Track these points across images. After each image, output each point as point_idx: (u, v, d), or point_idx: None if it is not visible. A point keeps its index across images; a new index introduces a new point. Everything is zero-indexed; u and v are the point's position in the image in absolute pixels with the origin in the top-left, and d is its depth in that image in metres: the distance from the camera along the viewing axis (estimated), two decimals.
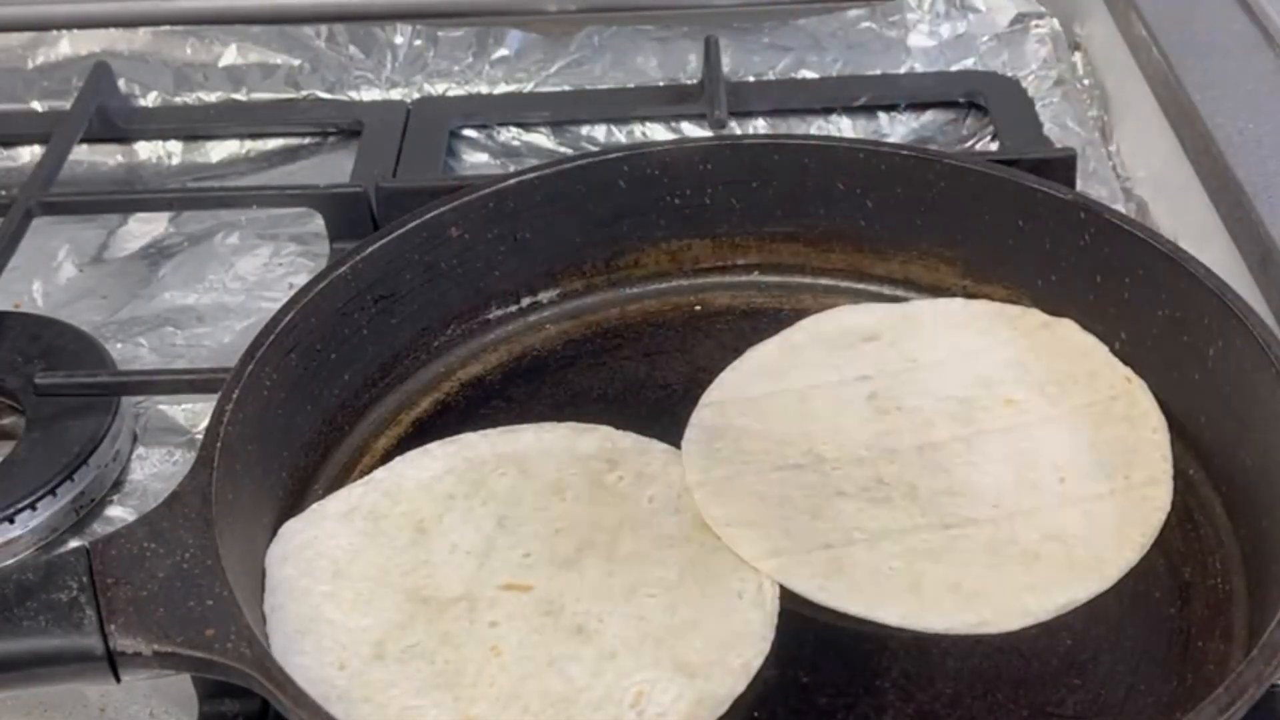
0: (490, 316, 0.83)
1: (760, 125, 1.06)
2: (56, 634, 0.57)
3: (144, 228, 1.00)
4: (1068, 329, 0.78)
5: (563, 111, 1.06)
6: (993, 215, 0.80)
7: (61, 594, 0.58)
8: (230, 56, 1.11)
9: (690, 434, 0.74)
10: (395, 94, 1.10)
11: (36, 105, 1.09)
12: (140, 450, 0.81)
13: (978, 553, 0.67)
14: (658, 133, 1.06)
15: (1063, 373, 0.76)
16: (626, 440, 0.74)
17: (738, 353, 0.80)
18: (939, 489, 0.70)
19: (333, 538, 0.69)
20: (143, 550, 0.60)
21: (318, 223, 0.93)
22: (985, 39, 1.11)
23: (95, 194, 1.00)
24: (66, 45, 1.11)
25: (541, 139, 1.06)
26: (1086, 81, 1.09)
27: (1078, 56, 1.12)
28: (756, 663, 0.63)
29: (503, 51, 1.11)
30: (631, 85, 1.09)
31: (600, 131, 1.06)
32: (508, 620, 0.65)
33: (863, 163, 0.83)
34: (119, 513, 0.77)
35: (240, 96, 1.10)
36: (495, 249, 0.82)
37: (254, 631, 0.57)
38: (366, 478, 0.73)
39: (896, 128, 1.06)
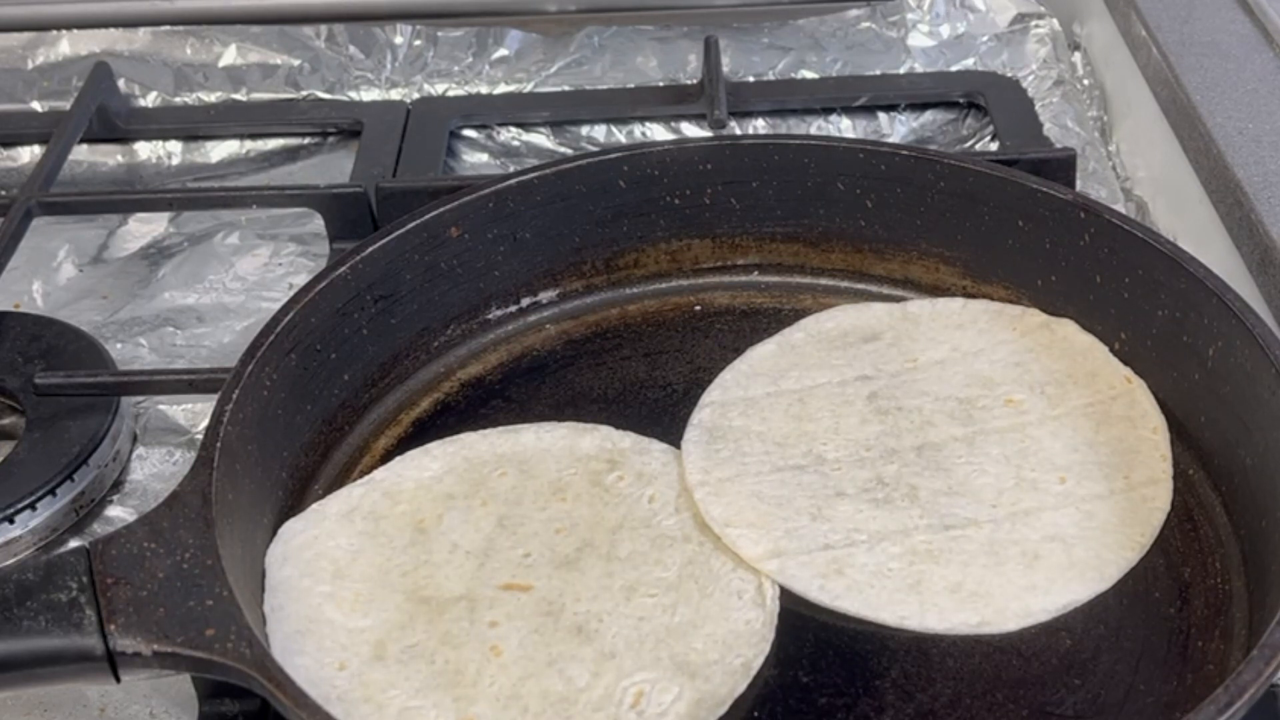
0: (490, 316, 0.83)
1: (760, 125, 1.06)
2: (56, 634, 0.57)
3: (144, 228, 1.00)
4: (1068, 329, 0.78)
5: (563, 111, 1.06)
6: (993, 215, 0.80)
7: (61, 594, 0.58)
8: (230, 56, 1.11)
9: (690, 434, 0.74)
10: (395, 94, 1.10)
11: (36, 105, 1.09)
12: (140, 450, 0.81)
13: (978, 553, 0.67)
14: (658, 133, 1.06)
15: (1062, 373, 0.76)
16: (626, 440, 0.74)
17: (738, 353, 0.80)
18: (939, 489, 0.70)
19: (333, 538, 0.69)
20: (143, 550, 0.60)
21: (318, 223, 0.93)
22: (985, 39, 1.11)
23: (95, 194, 1.00)
24: (66, 45, 1.11)
25: (541, 139, 1.06)
26: (1086, 81, 1.09)
27: (1078, 56, 1.12)
28: (756, 663, 0.63)
29: (503, 51, 1.11)
30: (631, 85, 1.09)
31: (600, 131, 1.06)
32: (508, 620, 0.65)
33: (863, 163, 0.83)
34: (119, 513, 0.77)
35: (240, 96, 1.10)
36: (495, 249, 0.82)
37: (254, 631, 0.57)
38: (366, 478, 0.73)
39: (896, 128, 1.06)
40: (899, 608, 0.64)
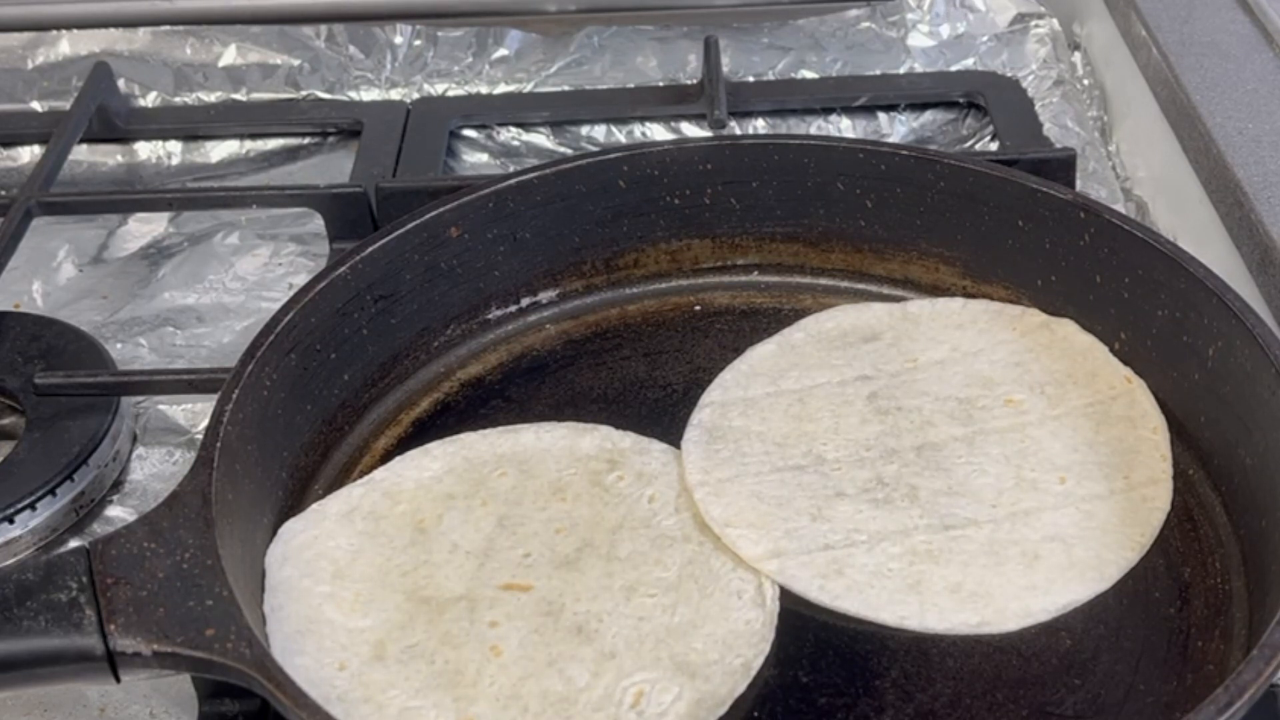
0: (490, 316, 0.83)
1: (760, 125, 1.06)
2: (56, 634, 0.57)
3: (144, 228, 1.00)
4: (1067, 329, 0.78)
5: (563, 111, 1.07)
6: (993, 215, 0.80)
7: (61, 594, 0.58)
8: (230, 56, 1.11)
9: (690, 434, 0.74)
10: (395, 94, 1.10)
11: (36, 105, 1.09)
12: (140, 450, 0.81)
13: (978, 553, 0.67)
14: (658, 133, 1.06)
15: (1062, 373, 0.76)
16: (626, 440, 0.74)
17: (738, 353, 0.80)
18: (939, 489, 0.70)
19: (333, 538, 0.69)
20: (143, 550, 0.60)
21: (318, 223, 0.93)
22: (985, 39, 1.11)
23: (95, 194, 1.00)
24: (66, 45, 1.11)
25: (541, 139, 1.06)
26: (1086, 81, 1.09)
27: (1078, 56, 1.12)
28: (756, 663, 0.63)
29: (503, 51, 1.11)
30: (631, 85, 1.09)
31: (600, 131, 1.06)
32: (508, 620, 0.65)
33: (863, 163, 0.83)
34: (119, 513, 0.77)
35: (240, 96, 1.10)
36: (495, 249, 0.82)
37: (254, 631, 0.57)
38: (366, 478, 0.73)
39: (896, 128, 1.06)
40: (899, 608, 0.64)
